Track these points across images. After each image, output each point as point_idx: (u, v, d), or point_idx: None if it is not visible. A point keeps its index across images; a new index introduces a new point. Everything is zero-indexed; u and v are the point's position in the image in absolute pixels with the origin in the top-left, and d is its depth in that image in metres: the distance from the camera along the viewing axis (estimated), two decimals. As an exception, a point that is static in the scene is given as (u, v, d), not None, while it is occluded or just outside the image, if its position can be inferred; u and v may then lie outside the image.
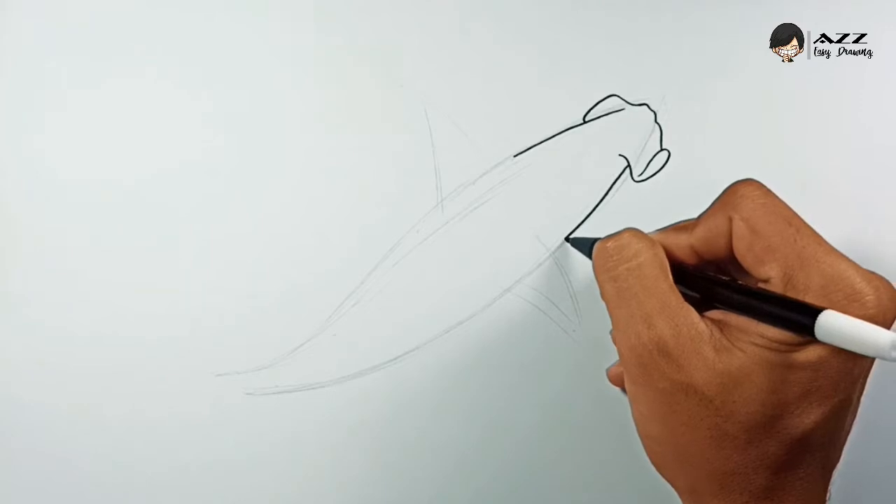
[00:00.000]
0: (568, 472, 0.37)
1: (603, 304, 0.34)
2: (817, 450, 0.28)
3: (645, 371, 0.29)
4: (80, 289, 0.33)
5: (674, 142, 0.36)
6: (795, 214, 0.29)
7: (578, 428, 0.36)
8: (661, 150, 0.36)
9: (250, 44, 0.33)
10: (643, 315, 0.28)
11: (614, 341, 0.31)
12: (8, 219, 0.33)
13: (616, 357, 0.33)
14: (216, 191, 0.34)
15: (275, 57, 0.33)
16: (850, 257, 0.28)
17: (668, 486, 0.31)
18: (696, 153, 0.36)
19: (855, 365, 0.27)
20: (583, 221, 0.36)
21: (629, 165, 0.36)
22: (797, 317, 0.26)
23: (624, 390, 0.30)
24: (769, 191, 0.29)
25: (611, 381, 0.33)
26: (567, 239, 0.36)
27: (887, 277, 0.28)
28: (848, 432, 0.30)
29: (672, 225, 0.33)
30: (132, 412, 0.34)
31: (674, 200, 0.33)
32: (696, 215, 0.31)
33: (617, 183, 0.36)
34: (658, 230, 0.32)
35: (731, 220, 0.29)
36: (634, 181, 0.36)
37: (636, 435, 0.31)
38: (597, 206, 0.36)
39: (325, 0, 0.34)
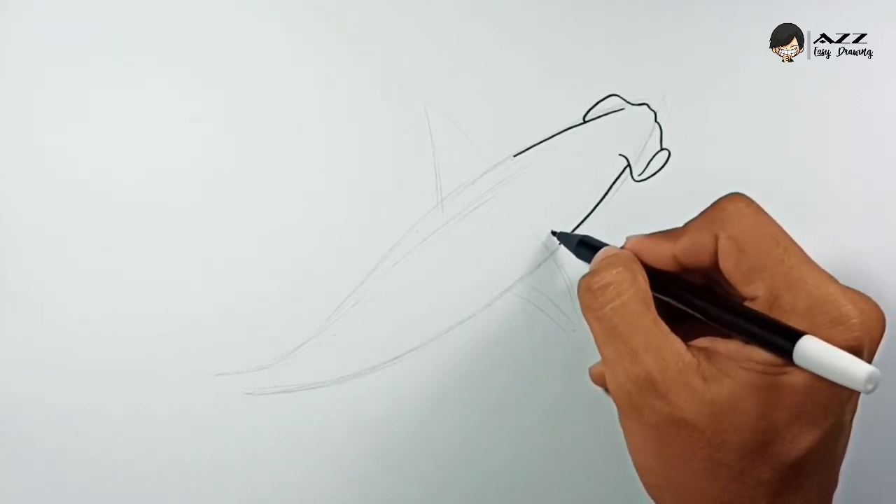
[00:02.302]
0: (568, 471, 0.37)
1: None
2: (812, 475, 0.28)
3: (635, 407, 0.28)
4: (81, 289, 0.33)
5: (674, 142, 0.36)
6: (783, 232, 0.28)
7: (578, 427, 0.36)
8: (661, 149, 0.36)
9: (250, 44, 0.33)
10: (629, 352, 0.28)
11: (598, 377, 0.31)
12: (8, 219, 0.33)
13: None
14: (216, 191, 0.34)
15: (275, 57, 0.33)
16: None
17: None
18: (696, 153, 0.36)
19: (843, 389, 0.26)
20: (583, 221, 0.36)
21: (629, 165, 0.36)
22: (778, 339, 0.26)
23: (606, 390, 0.30)
24: (757, 207, 0.29)
25: (593, 380, 0.33)
26: (553, 232, 0.36)
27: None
28: (842, 456, 0.29)
29: (657, 233, 0.32)
30: (132, 412, 0.34)
31: (674, 200, 0.33)
32: (695, 215, 0.31)
33: (617, 183, 0.36)
34: (642, 235, 0.32)
35: (717, 237, 0.29)
36: (634, 181, 0.36)
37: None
38: (597, 205, 0.36)
39: (324, 0, 0.34)
